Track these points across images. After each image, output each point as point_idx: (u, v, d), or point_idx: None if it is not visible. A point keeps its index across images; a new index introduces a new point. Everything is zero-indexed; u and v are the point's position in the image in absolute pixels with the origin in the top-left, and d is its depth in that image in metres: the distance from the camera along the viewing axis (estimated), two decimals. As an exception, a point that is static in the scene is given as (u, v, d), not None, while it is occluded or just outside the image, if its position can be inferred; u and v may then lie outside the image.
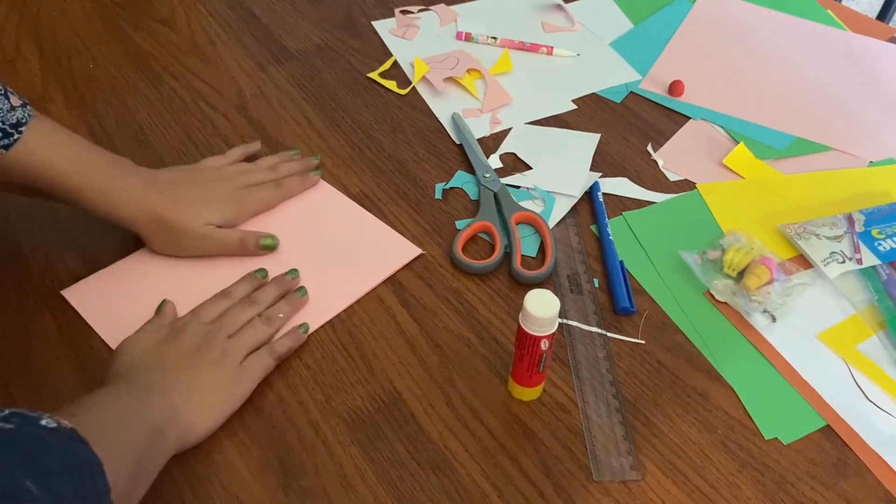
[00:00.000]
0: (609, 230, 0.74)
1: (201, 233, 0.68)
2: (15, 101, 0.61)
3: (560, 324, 0.66)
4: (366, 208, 0.76)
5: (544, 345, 0.56)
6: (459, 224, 0.75)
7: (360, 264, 0.71)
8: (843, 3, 1.20)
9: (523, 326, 0.56)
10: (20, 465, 0.39)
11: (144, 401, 0.54)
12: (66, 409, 0.47)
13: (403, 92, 0.90)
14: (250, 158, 0.78)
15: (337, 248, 0.72)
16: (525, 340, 0.56)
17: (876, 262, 0.71)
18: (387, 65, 0.93)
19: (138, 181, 0.67)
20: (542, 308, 0.55)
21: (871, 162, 0.84)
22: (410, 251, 0.72)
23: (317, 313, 0.67)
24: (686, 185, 0.80)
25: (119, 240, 0.71)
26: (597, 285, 0.70)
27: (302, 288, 0.67)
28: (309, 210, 0.76)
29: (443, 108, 0.88)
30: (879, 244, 0.72)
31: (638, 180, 0.80)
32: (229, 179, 0.73)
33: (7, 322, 0.65)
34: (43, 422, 0.43)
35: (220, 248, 0.69)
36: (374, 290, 0.69)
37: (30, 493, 0.38)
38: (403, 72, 0.93)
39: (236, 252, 0.70)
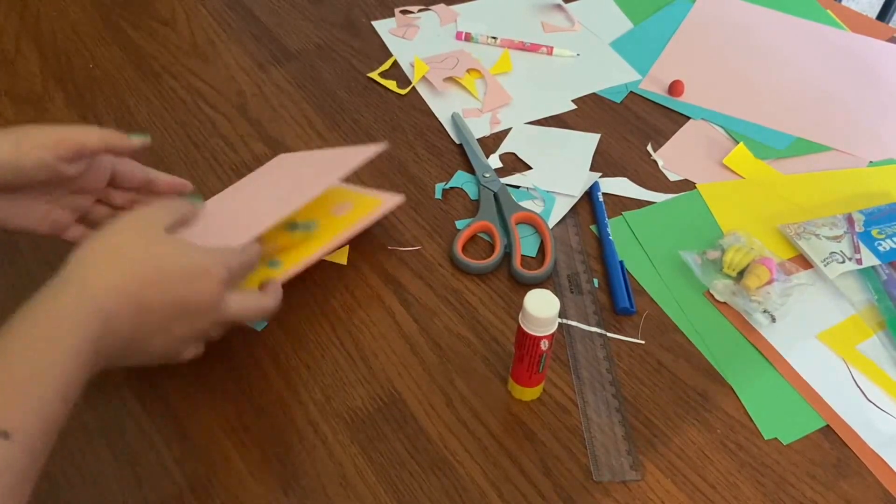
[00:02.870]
0: (609, 230, 0.74)
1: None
2: None
3: (560, 324, 0.66)
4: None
5: (544, 345, 0.56)
6: (459, 224, 0.75)
7: (321, 168, 0.72)
8: (843, 3, 1.20)
9: (523, 326, 0.56)
10: None
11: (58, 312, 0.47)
12: None
13: (403, 92, 0.90)
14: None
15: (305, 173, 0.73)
16: (525, 340, 0.56)
17: (876, 262, 0.71)
18: (387, 65, 0.93)
19: None
20: (541, 308, 0.55)
21: (871, 162, 0.84)
22: (370, 150, 0.72)
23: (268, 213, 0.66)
24: (686, 185, 0.80)
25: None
26: (597, 285, 0.70)
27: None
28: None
29: (443, 107, 0.88)
30: (879, 244, 0.72)
31: (638, 180, 0.80)
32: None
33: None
34: None
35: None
36: (373, 289, 0.69)
37: None
38: (403, 72, 0.93)
39: None
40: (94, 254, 0.50)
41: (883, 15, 1.62)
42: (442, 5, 1.03)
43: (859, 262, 0.71)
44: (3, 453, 0.40)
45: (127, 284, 0.48)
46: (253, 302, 0.57)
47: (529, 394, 0.61)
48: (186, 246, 0.53)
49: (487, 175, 0.79)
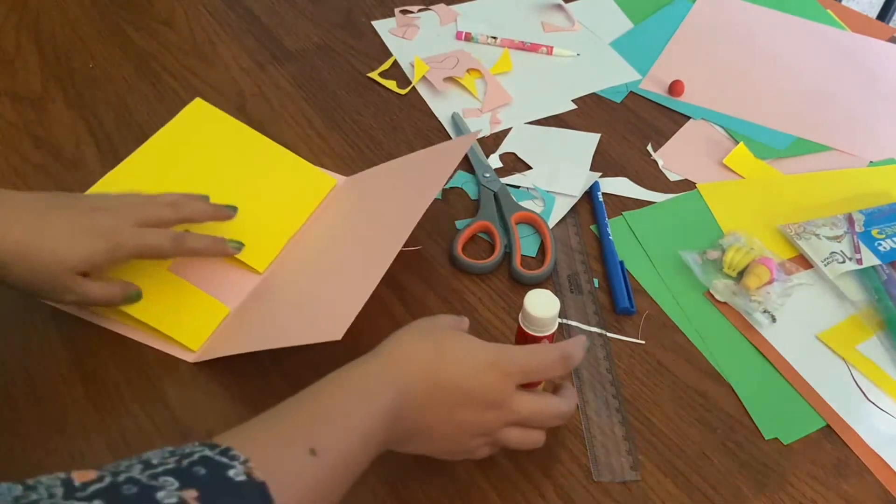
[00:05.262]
0: (609, 230, 0.74)
1: (62, 283, 0.56)
2: None
3: (560, 324, 0.66)
4: (366, 208, 0.76)
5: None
6: (459, 224, 0.75)
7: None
8: (843, 3, 1.20)
9: (523, 327, 0.56)
10: None
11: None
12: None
13: (403, 92, 0.90)
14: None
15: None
16: (525, 341, 0.56)
17: (876, 262, 0.71)
18: (387, 64, 0.93)
19: None
20: (542, 308, 0.55)
21: (871, 162, 0.84)
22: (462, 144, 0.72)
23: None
24: (686, 185, 0.80)
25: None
26: (597, 285, 0.70)
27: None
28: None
29: (443, 107, 0.88)
30: (879, 244, 0.72)
31: (638, 180, 0.80)
32: (115, 210, 0.59)
33: (10, 335, 0.64)
34: (231, 472, 0.40)
35: (84, 304, 0.60)
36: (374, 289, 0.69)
37: None
38: (403, 72, 0.93)
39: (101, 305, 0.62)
40: (399, 335, 0.53)
41: (883, 15, 1.62)
42: (442, 5, 1.03)
43: (859, 262, 0.71)
44: (311, 467, 0.44)
45: (425, 362, 0.51)
46: (545, 404, 0.54)
47: None
48: (476, 341, 0.54)
49: (487, 175, 0.79)
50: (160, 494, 0.37)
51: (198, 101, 0.80)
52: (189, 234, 0.63)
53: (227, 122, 0.79)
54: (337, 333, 0.53)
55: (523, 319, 0.56)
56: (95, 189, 0.71)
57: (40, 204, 0.57)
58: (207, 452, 0.41)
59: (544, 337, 0.56)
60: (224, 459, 0.41)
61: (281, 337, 0.60)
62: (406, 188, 0.72)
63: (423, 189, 0.67)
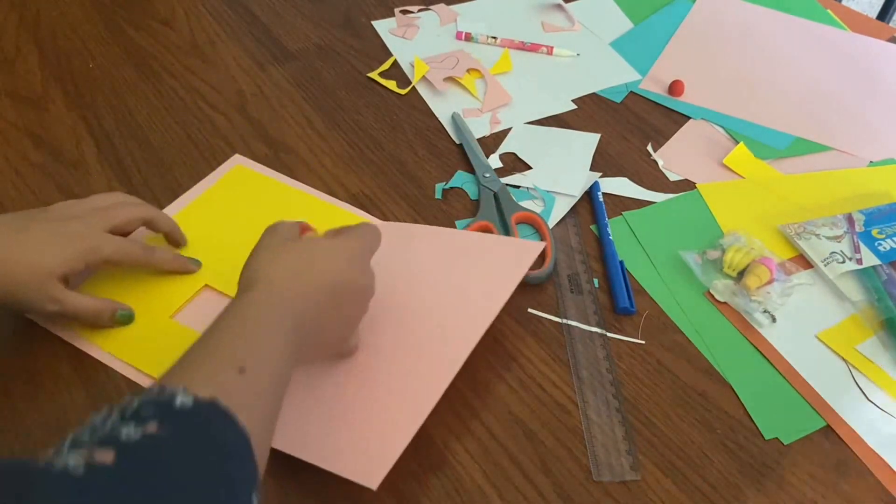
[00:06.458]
0: (609, 230, 0.74)
1: (45, 291, 0.57)
2: None
3: (560, 324, 0.66)
4: (365, 209, 0.76)
5: None
6: (459, 224, 0.75)
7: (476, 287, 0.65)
8: (843, 3, 1.20)
9: None
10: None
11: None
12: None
13: (403, 92, 0.90)
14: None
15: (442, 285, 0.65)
16: None
17: (876, 262, 0.71)
18: (387, 65, 0.93)
19: None
20: None
21: (871, 162, 0.84)
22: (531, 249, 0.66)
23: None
24: (686, 185, 0.80)
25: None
26: (597, 285, 0.70)
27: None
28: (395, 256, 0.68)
29: (443, 107, 0.88)
30: (879, 244, 0.72)
31: (638, 180, 0.80)
32: (86, 218, 0.61)
33: (10, 341, 0.64)
34: (178, 401, 0.40)
35: (69, 315, 0.60)
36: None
37: None
38: (403, 72, 0.93)
39: (88, 323, 0.61)
40: (269, 266, 0.53)
41: (883, 15, 1.62)
42: (442, 5, 1.03)
43: (859, 262, 0.71)
44: (243, 385, 0.45)
45: (306, 285, 0.52)
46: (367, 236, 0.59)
47: None
48: (330, 241, 0.56)
49: (487, 175, 0.79)
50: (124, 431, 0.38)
51: (238, 167, 0.78)
52: (157, 248, 0.66)
53: (264, 182, 0.77)
54: (372, 480, 0.52)
55: None
56: None
57: (17, 221, 0.59)
58: (146, 397, 0.41)
59: None
60: (164, 396, 0.41)
61: (309, 451, 0.56)
62: (457, 284, 0.65)
63: (483, 296, 0.63)
